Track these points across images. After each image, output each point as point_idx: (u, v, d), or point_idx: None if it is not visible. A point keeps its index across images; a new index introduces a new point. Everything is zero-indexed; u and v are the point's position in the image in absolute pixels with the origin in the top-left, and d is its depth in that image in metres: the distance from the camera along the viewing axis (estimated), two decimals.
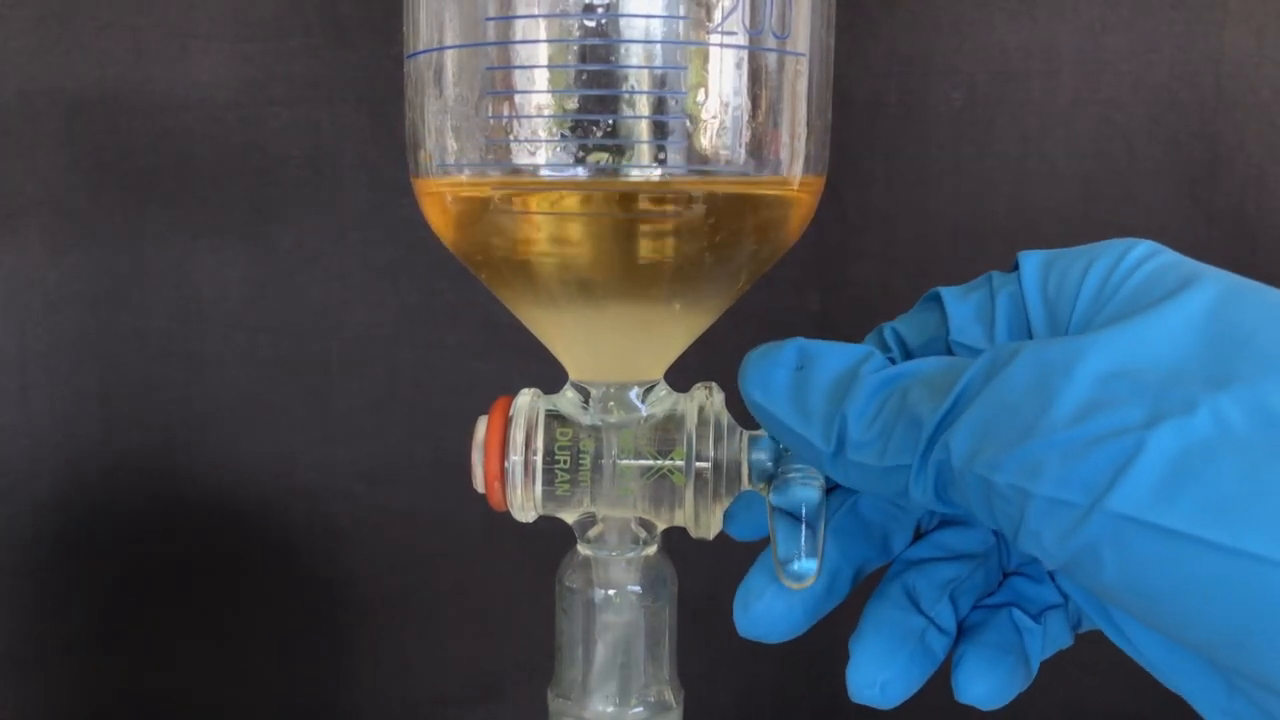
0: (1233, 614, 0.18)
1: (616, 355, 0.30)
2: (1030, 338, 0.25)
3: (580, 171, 0.26)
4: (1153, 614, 0.20)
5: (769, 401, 0.25)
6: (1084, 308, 0.24)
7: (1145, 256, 0.23)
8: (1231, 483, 0.19)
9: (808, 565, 0.26)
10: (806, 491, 0.27)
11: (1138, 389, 0.20)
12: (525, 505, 0.29)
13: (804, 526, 0.26)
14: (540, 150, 0.26)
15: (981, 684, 0.26)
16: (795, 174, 0.28)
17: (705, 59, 0.26)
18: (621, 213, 0.27)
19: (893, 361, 0.25)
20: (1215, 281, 0.22)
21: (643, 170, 0.26)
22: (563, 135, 0.26)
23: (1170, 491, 0.19)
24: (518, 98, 0.27)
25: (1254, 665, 0.19)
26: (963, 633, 0.27)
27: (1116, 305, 0.23)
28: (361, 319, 0.52)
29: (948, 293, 0.27)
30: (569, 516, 0.30)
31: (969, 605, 0.27)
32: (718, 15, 0.26)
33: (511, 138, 0.27)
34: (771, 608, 0.26)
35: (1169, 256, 0.24)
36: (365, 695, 0.55)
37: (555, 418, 0.30)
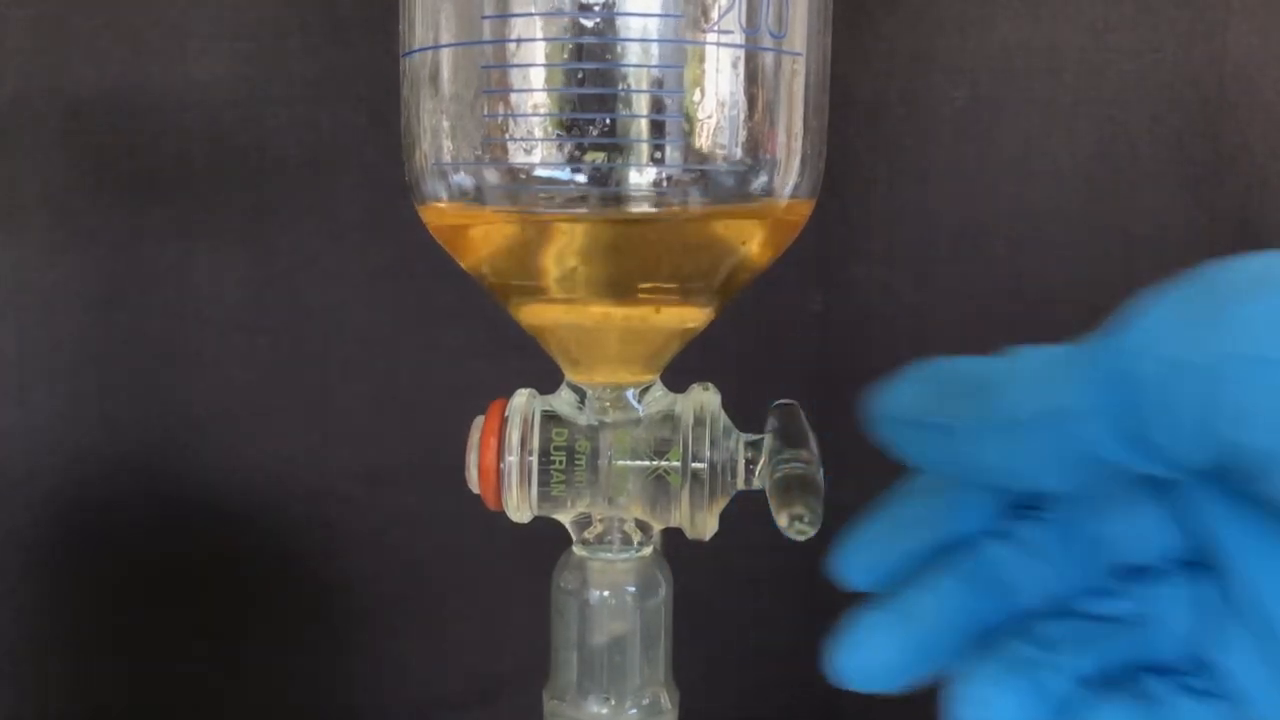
0: None
1: (612, 356, 0.30)
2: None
3: (576, 171, 0.26)
4: None
5: (898, 407, 0.23)
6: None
7: None
8: None
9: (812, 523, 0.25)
10: (803, 465, 0.27)
11: None
12: (520, 506, 0.29)
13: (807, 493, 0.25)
14: (536, 149, 0.26)
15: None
16: (792, 172, 0.28)
17: (701, 58, 0.26)
18: (616, 214, 0.27)
19: None
20: None
21: (639, 169, 0.26)
22: (559, 134, 0.26)
23: None
24: (514, 96, 0.26)
25: None
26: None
27: None
28: (361, 320, 0.52)
29: None
30: (565, 517, 0.30)
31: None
32: (714, 14, 0.26)
33: (507, 136, 0.27)
34: (882, 647, 0.24)
35: None
36: (363, 697, 0.55)
37: (551, 418, 0.29)
